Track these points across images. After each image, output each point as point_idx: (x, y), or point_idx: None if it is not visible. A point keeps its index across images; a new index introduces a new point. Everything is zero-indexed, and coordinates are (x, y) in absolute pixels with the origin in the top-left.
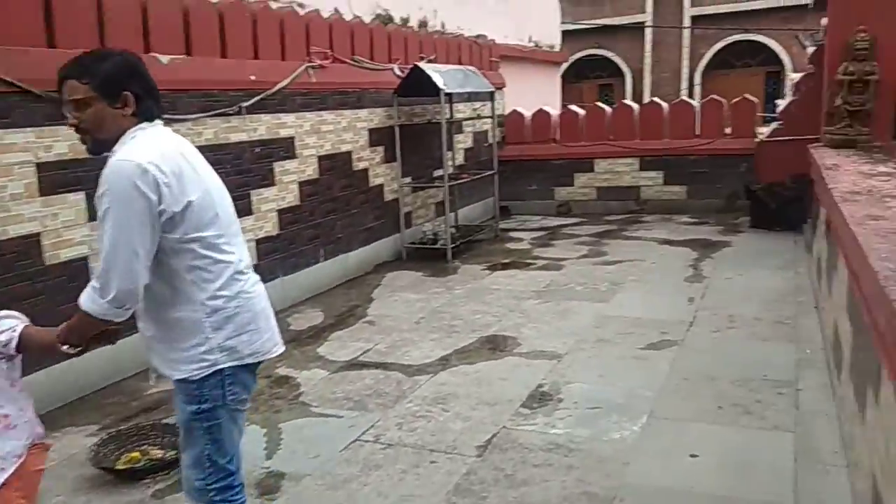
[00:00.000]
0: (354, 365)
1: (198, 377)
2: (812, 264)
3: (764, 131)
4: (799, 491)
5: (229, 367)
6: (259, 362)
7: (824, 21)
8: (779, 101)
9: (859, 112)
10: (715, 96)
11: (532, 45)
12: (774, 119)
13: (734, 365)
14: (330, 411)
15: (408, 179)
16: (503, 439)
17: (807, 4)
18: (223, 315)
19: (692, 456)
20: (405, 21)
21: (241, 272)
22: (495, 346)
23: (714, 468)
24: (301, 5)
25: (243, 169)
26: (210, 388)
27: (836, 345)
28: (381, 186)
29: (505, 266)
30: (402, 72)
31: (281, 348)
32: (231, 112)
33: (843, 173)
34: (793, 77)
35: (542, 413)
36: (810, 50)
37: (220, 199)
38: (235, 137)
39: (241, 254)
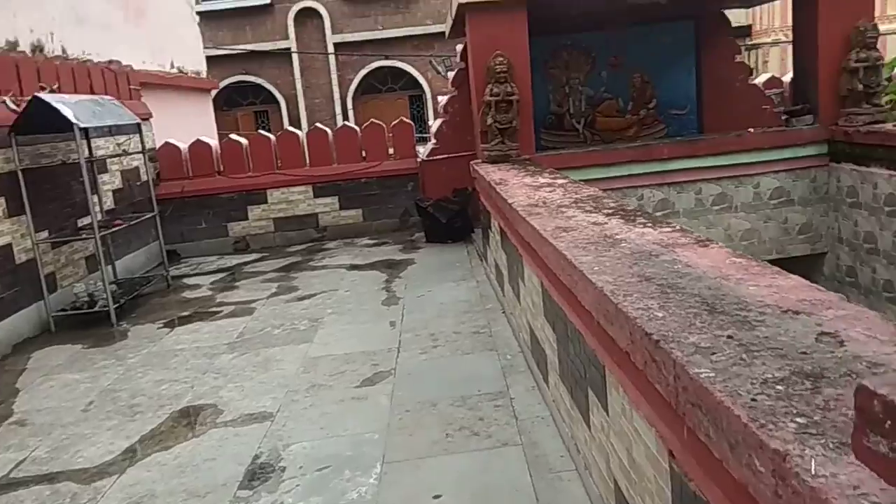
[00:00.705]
0: (6, 486)
1: None
2: (490, 272)
3: (422, 151)
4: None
5: None
6: None
7: (459, 47)
8: (431, 122)
9: (508, 129)
10: (375, 120)
11: (175, 71)
12: (428, 139)
13: (449, 385)
14: None
15: (44, 234)
16: None
17: (435, 33)
18: None
19: (436, 497)
20: (13, 45)
21: None
22: (193, 420)
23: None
24: None
25: None
26: None
27: (536, 348)
28: (7, 247)
29: (186, 320)
30: (18, 105)
31: None
32: None
33: (513, 186)
34: (440, 99)
35: (266, 490)
36: (451, 74)
37: None
38: None
39: None
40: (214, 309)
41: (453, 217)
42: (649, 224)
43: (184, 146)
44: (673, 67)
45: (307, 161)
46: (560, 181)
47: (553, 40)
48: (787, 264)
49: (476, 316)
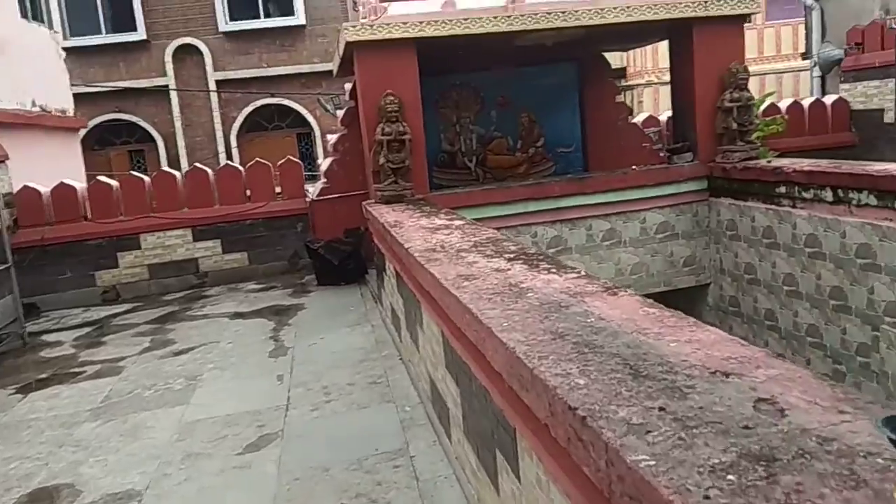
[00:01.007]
0: None
1: None
2: (386, 316)
3: (312, 190)
4: None
5: None
6: None
7: (348, 86)
8: (320, 161)
9: (401, 168)
10: (260, 159)
11: (38, 109)
12: (317, 177)
13: (344, 445)
14: None
15: None
16: None
17: (322, 72)
18: None
19: None
20: None
21: None
22: None
23: None
24: None
25: None
26: None
27: (437, 400)
28: None
29: (43, 383)
30: None
31: None
32: None
33: (409, 229)
34: (330, 138)
35: None
36: (339, 112)
37: None
38: None
39: None
40: (77, 369)
41: (346, 258)
42: (553, 270)
43: (45, 190)
44: (558, 107)
45: (186, 203)
46: (457, 222)
47: (443, 80)
48: (674, 296)
49: (372, 364)
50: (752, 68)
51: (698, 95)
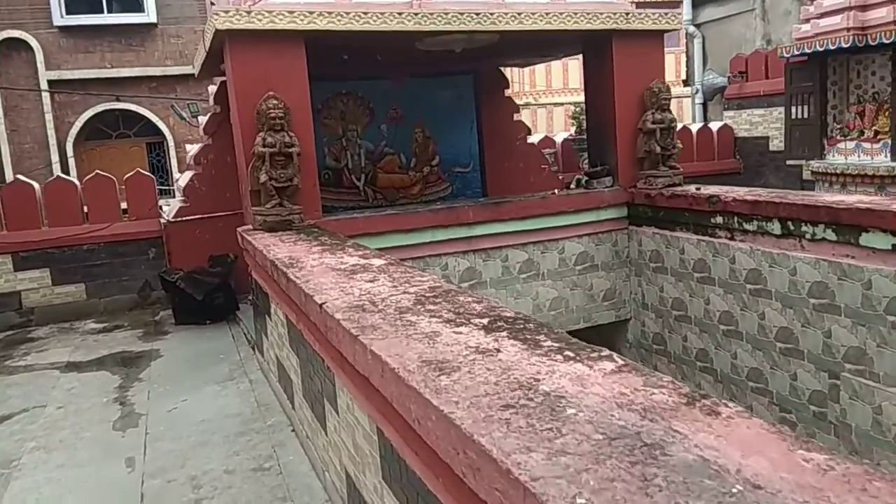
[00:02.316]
0: None
1: None
2: (270, 370)
3: (168, 209)
4: None
5: None
6: None
7: (213, 88)
8: (176, 175)
9: (287, 188)
10: (102, 172)
11: None
12: (171, 193)
13: None
14: None
15: None
16: None
17: (178, 75)
18: None
19: None
20: None
21: None
22: None
23: None
24: None
25: None
26: None
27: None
28: None
29: None
30: None
31: None
32: None
33: (315, 272)
34: (190, 149)
35: None
36: (201, 119)
37: None
38: None
39: None
40: None
41: (212, 292)
42: (571, 353)
43: None
44: (455, 123)
45: (4, 224)
46: (376, 261)
47: (327, 87)
48: (593, 333)
49: (256, 439)
50: None
51: (618, 116)
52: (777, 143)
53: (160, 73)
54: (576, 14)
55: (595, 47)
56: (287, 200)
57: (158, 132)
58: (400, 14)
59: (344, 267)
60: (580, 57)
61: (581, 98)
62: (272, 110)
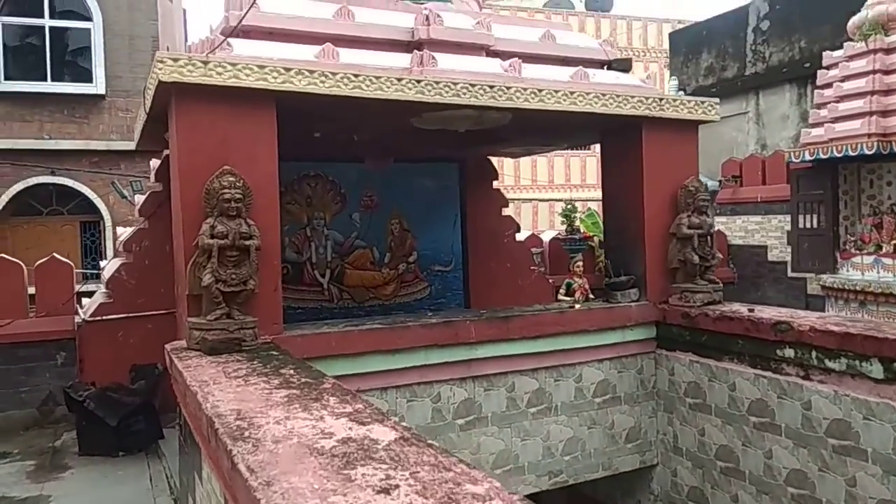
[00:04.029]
0: None
1: None
2: None
3: (87, 305)
4: None
5: None
6: None
7: (155, 162)
8: (104, 262)
9: (240, 293)
10: (6, 256)
11: None
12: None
13: None
14: None
15: None
16: None
17: (122, 151)
18: None
19: None
20: None
21: None
22: None
23: None
24: None
25: None
26: None
27: None
28: None
29: None
30: None
31: None
32: None
33: (278, 457)
34: (121, 232)
35: None
36: (139, 199)
37: None
38: None
39: None
40: None
41: (129, 415)
42: None
43: None
44: (437, 216)
45: None
46: (383, 433)
47: (292, 167)
48: (612, 483)
49: None
50: None
51: (647, 216)
52: (777, 253)
53: (104, 148)
54: (604, 96)
55: (620, 136)
56: (238, 310)
57: (95, 210)
58: (399, 80)
59: (329, 446)
60: (565, 153)
61: (568, 195)
62: (227, 190)
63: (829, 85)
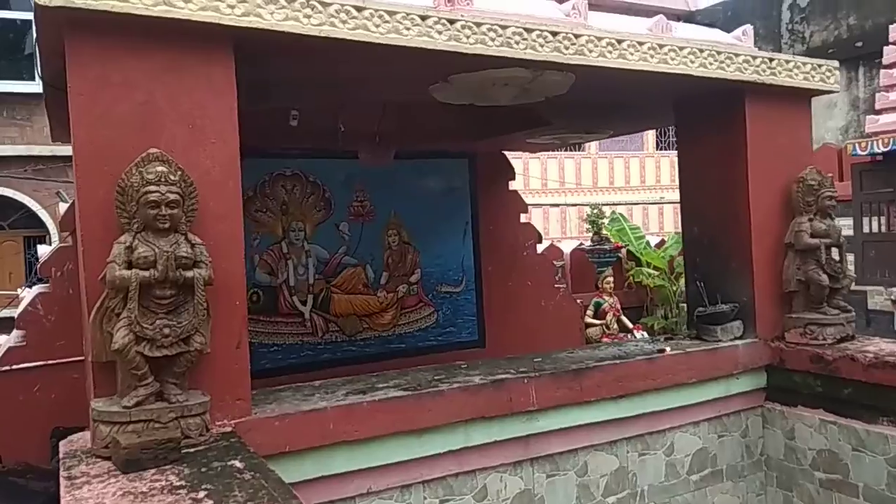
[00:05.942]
0: None
1: None
2: None
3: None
4: None
5: None
6: None
7: None
8: (24, 292)
9: (179, 357)
10: None
11: None
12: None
13: None
14: None
15: None
16: None
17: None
18: None
19: None
20: None
21: None
22: None
23: None
24: None
25: None
26: None
27: None
28: None
29: None
30: None
31: None
32: None
33: None
34: (42, 252)
35: None
36: (62, 208)
37: None
38: None
39: None
40: None
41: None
42: None
43: None
44: (444, 224)
45: None
46: None
47: (260, 164)
48: None
49: None
50: (652, 195)
51: (754, 223)
52: None
53: (48, 153)
54: (701, 52)
55: (709, 111)
56: (174, 384)
57: (41, 224)
58: (423, 19)
59: None
60: (592, 154)
61: (596, 198)
62: (153, 188)
63: None
